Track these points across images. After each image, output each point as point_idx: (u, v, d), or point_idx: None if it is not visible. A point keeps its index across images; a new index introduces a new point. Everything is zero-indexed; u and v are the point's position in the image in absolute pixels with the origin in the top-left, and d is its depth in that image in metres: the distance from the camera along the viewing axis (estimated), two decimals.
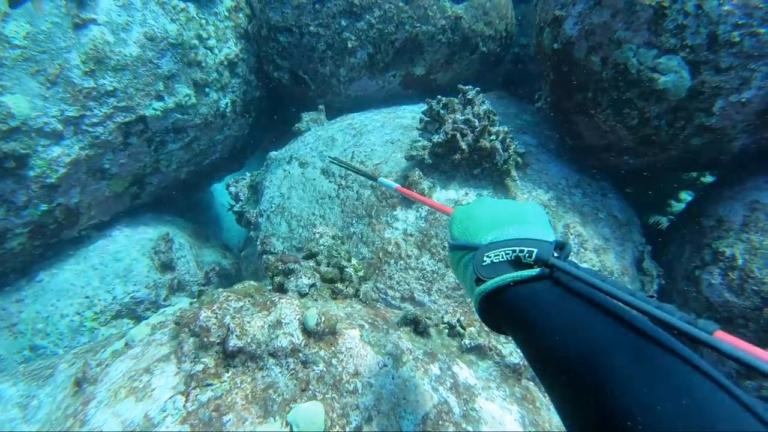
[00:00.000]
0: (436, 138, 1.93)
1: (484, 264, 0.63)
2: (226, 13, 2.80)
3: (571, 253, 1.92)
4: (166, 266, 2.68)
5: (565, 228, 1.95)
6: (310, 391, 0.90)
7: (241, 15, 2.90)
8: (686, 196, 3.33)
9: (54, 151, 2.25)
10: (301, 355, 0.95)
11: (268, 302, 1.04)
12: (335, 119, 2.79)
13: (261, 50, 2.89)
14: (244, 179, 2.86)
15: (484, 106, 1.98)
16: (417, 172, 1.92)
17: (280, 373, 0.93)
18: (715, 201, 2.11)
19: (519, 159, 1.94)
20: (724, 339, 0.41)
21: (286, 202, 2.26)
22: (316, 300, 1.19)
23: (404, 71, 2.85)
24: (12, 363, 2.37)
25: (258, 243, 2.22)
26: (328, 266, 1.24)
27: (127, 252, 2.64)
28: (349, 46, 2.65)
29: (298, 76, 2.77)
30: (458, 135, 1.87)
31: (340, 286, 1.21)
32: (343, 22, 2.60)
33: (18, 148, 2.13)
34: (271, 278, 1.24)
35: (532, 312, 0.57)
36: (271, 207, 2.31)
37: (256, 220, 2.39)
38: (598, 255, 1.96)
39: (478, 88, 2.02)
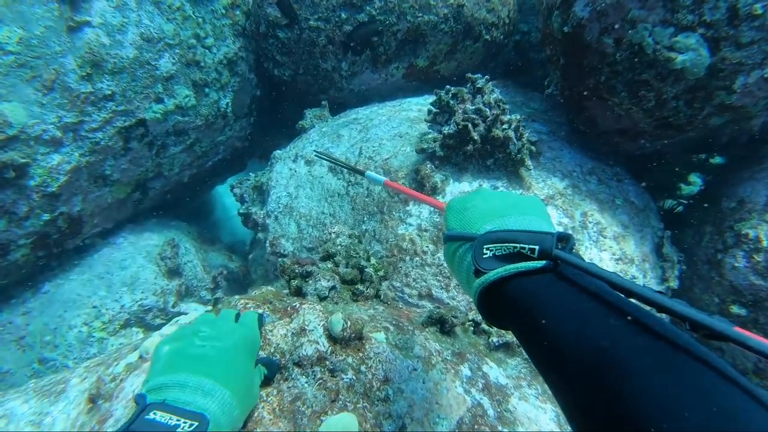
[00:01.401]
0: (446, 129, 1.87)
1: (484, 257, 0.60)
2: (223, 11, 2.74)
3: (591, 242, 1.87)
4: (173, 272, 2.63)
5: (583, 216, 1.90)
6: (340, 402, 0.85)
7: (238, 12, 2.83)
8: (695, 178, 3.27)
9: (54, 159, 2.20)
10: (328, 363, 0.90)
11: (288, 308, 0.99)
12: (339, 115, 2.73)
13: (260, 47, 2.83)
14: (249, 180, 2.80)
15: (495, 95, 1.92)
16: (428, 165, 1.87)
17: (306, 383, 0.88)
18: (734, 182, 2.06)
19: (532, 147, 1.88)
20: (744, 335, 0.38)
21: (293, 202, 2.21)
22: (336, 303, 1.14)
23: (407, 63, 2.78)
24: (21, 377, 2.32)
25: (267, 245, 2.17)
26: (347, 267, 1.19)
27: (133, 259, 2.59)
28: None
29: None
30: (470, 125, 1.81)
31: (360, 287, 1.16)
32: (344, 15, 2.54)
33: (17, 157, 2.08)
34: (288, 282, 1.19)
35: (536, 306, 0.54)
36: (279, 207, 2.26)
37: (263, 222, 2.34)
38: (618, 243, 1.90)
39: (488, 77, 1.96)
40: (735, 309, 1.92)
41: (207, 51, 2.62)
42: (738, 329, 0.39)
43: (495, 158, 1.88)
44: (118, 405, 1.03)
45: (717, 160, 3.13)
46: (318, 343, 0.91)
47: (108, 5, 2.25)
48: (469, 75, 1.97)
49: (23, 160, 2.10)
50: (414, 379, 0.96)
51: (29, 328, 2.39)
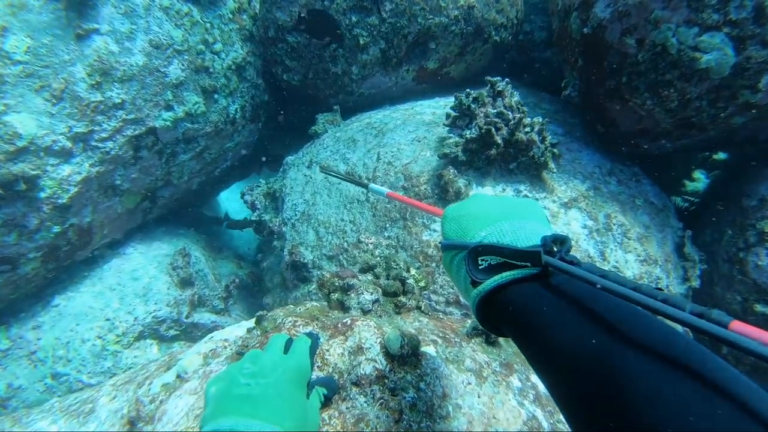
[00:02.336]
0: (468, 134, 1.85)
1: (480, 267, 0.60)
2: (230, 16, 2.70)
3: (616, 243, 1.85)
4: (186, 282, 2.59)
5: (607, 218, 1.88)
6: (404, 422, 0.83)
7: (245, 17, 2.79)
8: (700, 175, 3.27)
9: (64, 170, 2.15)
10: (387, 381, 0.87)
11: (339, 325, 0.96)
12: (351, 119, 2.70)
13: (268, 52, 2.79)
14: (259, 187, 2.76)
15: (516, 98, 1.90)
16: (451, 171, 1.85)
17: (365, 402, 0.85)
18: (755, 180, 2.06)
19: (555, 150, 1.86)
20: (741, 330, 0.36)
21: (311, 209, 2.18)
22: (380, 316, 1.12)
23: (417, 66, 2.76)
24: (34, 393, 2.27)
25: (286, 253, 2.14)
26: (387, 279, 1.16)
27: (145, 270, 2.54)
28: (361, 42, 2.56)
29: None
30: (493, 129, 1.79)
31: (403, 299, 1.14)
32: (354, 18, 2.51)
33: (27, 169, 2.03)
34: (327, 295, 1.17)
35: (531, 314, 0.53)
36: (295, 214, 2.23)
37: (279, 229, 2.30)
38: (642, 244, 1.89)
39: (507, 79, 1.95)
40: (759, 307, 1.91)
41: (216, 57, 2.58)
42: (733, 325, 0.37)
43: (518, 162, 1.86)
44: (162, 429, 1.00)
45: (720, 156, 3.15)
46: (376, 361, 0.88)
47: (116, 12, 2.21)
48: (489, 78, 1.95)
49: (34, 172, 2.05)
50: (469, 394, 0.94)
51: (40, 343, 2.34)
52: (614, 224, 1.87)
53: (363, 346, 0.89)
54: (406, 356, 0.90)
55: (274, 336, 0.84)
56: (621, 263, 1.81)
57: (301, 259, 2.06)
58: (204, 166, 2.81)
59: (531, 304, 0.54)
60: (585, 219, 1.85)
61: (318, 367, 0.85)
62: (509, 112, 1.83)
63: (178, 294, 2.53)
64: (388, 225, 1.93)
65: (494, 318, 0.61)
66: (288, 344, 0.83)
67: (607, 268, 1.81)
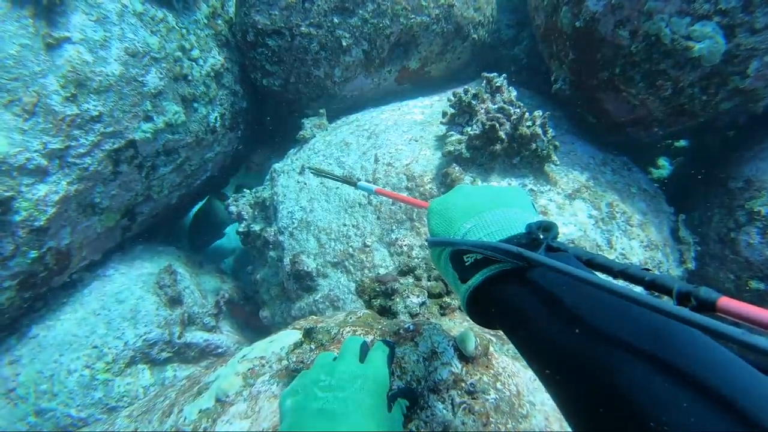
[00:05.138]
0: (471, 130, 1.84)
1: (466, 264, 0.59)
2: (206, 21, 2.59)
3: (620, 231, 1.89)
4: (175, 300, 2.46)
5: (609, 207, 1.92)
6: (492, 425, 0.79)
7: (220, 21, 2.69)
8: (664, 162, 3.41)
9: (40, 190, 1.99)
10: (464, 385, 0.84)
11: (401, 331, 0.92)
12: (338, 122, 2.65)
13: (247, 57, 2.70)
14: (244, 196, 2.66)
15: (514, 93, 1.91)
16: (456, 168, 1.83)
17: (444, 409, 0.81)
18: (738, 163, 2.15)
19: (556, 143, 1.88)
20: (729, 306, 0.36)
21: (309, 216, 2.11)
22: (428, 318, 1.08)
23: (400, 66, 2.74)
24: None
25: (287, 262, 2.06)
26: (429, 280, 1.12)
27: (130, 291, 2.39)
28: (344, 44, 2.51)
29: None
30: (496, 124, 1.79)
31: (447, 299, 1.10)
32: (336, 20, 2.46)
33: (0, 190, 1.87)
34: (368, 302, 1.12)
35: (516, 310, 0.53)
36: (293, 222, 2.15)
37: (275, 239, 2.22)
38: (643, 230, 1.94)
39: (505, 75, 1.95)
40: (754, 284, 2.00)
41: (194, 63, 2.47)
42: (721, 302, 0.37)
43: (521, 156, 1.87)
44: None
45: (681, 143, 3.29)
46: (451, 364, 0.85)
47: (88, 19, 2.07)
48: (486, 74, 1.95)
49: (7, 194, 1.89)
50: (538, 390, 0.92)
51: (20, 379, 2.16)
52: (617, 212, 1.91)
53: (436, 350, 0.85)
54: (479, 357, 0.87)
55: (349, 340, 0.79)
56: (627, 250, 1.85)
57: (305, 268, 1.99)
58: (184, 179, 2.68)
59: (514, 299, 0.53)
60: (590, 209, 1.88)
61: (398, 376, 0.81)
62: (510, 107, 1.83)
63: (168, 314, 2.40)
64: (394, 227, 1.89)
65: (485, 312, 0.60)
66: (363, 348, 0.78)
67: (613, 256, 1.85)
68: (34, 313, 2.32)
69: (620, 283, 0.44)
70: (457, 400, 0.82)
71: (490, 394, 0.82)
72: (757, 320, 0.34)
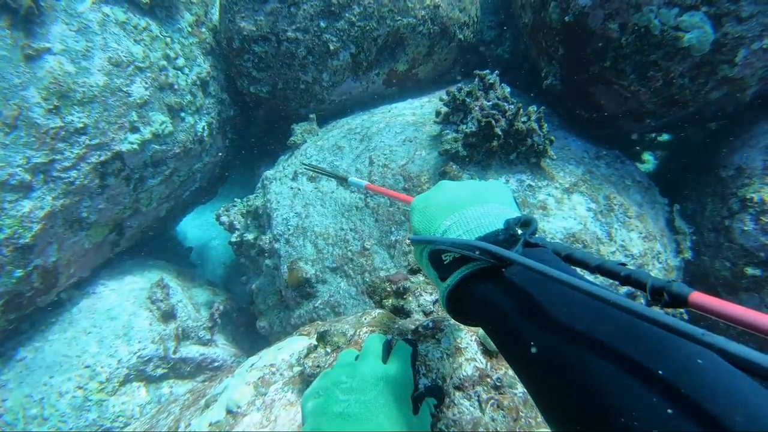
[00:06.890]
0: (466, 128, 1.83)
1: (445, 263, 0.59)
2: (189, 29, 2.55)
3: (619, 223, 1.89)
4: (168, 315, 2.39)
5: (607, 199, 1.92)
6: (522, 420, 0.77)
7: (204, 29, 2.65)
8: (649, 156, 3.46)
9: (24, 206, 1.93)
10: (489, 380, 0.81)
11: (420, 328, 0.89)
12: (329, 127, 2.62)
13: (233, 64, 2.66)
14: (235, 206, 2.62)
15: (507, 89, 1.91)
16: (454, 166, 1.82)
17: (471, 405, 0.79)
18: (727, 151, 2.17)
19: (551, 137, 1.88)
20: (700, 300, 0.37)
21: (305, 222, 2.07)
22: (444, 316, 1.05)
23: (388, 68, 2.73)
24: None
25: (284, 270, 2.02)
26: None
27: (122, 307, 2.32)
28: (331, 48, 2.49)
29: None
30: (492, 121, 1.78)
31: None
32: (322, 24, 2.44)
33: None
34: (379, 302, 1.09)
35: (494, 306, 0.52)
36: (288, 229, 2.11)
37: (270, 247, 2.17)
38: (641, 221, 1.94)
39: (497, 72, 1.95)
40: (750, 270, 2.01)
41: (179, 72, 2.42)
42: (696, 296, 0.38)
43: (518, 152, 1.86)
44: None
45: (664, 137, 3.34)
46: (476, 360, 0.82)
47: (68, 29, 2.02)
48: (478, 72, 1.95)
49: None
50: None
51: (6, 404, 2.07)
52: (615, 204, 1.91)
53: (460, 346, 0.83)
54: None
55: (370, 339, 0.77)
56: (627, 242, 1.85)
57: (303, 275, 1.95)
58: (173, 191, 2.62)
59: (490, 298, 0.53)
60: (588, 202, 1.87)
61: (423, 374, 0.78)
62: (505, 104, 1.83)
63: (162, 329, 2.33)
64: (393, 229, 1.86)
65: (465, 309, 0.60)
66: (385, 347, 0.76)
67: (614, 248, 1.85)
68: (20, 335, 2.24)
69: (597, 280, 0.44)
70: (484, 396, 0.79)
71: (517, 388, 0.80)
72: (727, 315, 0.35)
